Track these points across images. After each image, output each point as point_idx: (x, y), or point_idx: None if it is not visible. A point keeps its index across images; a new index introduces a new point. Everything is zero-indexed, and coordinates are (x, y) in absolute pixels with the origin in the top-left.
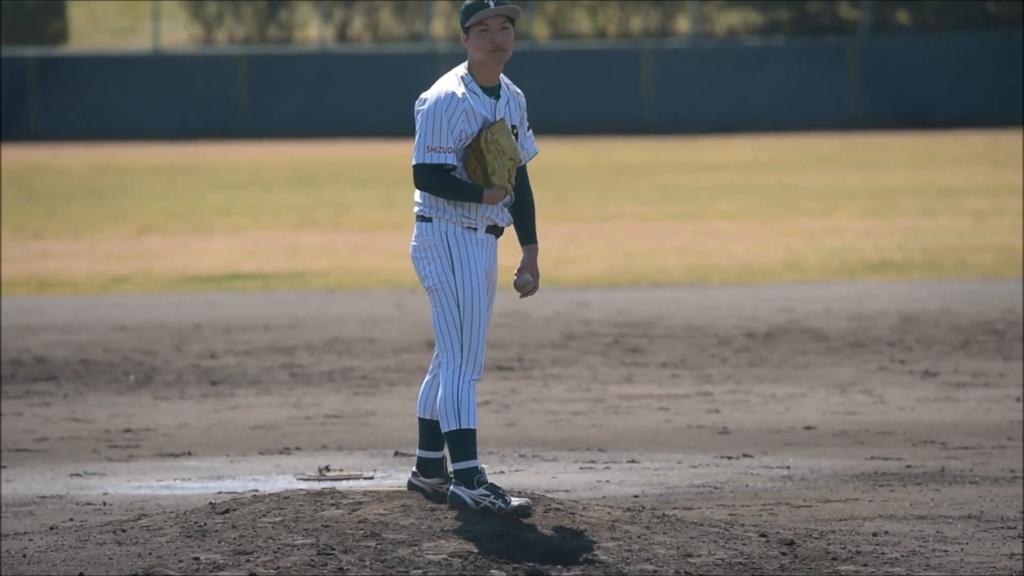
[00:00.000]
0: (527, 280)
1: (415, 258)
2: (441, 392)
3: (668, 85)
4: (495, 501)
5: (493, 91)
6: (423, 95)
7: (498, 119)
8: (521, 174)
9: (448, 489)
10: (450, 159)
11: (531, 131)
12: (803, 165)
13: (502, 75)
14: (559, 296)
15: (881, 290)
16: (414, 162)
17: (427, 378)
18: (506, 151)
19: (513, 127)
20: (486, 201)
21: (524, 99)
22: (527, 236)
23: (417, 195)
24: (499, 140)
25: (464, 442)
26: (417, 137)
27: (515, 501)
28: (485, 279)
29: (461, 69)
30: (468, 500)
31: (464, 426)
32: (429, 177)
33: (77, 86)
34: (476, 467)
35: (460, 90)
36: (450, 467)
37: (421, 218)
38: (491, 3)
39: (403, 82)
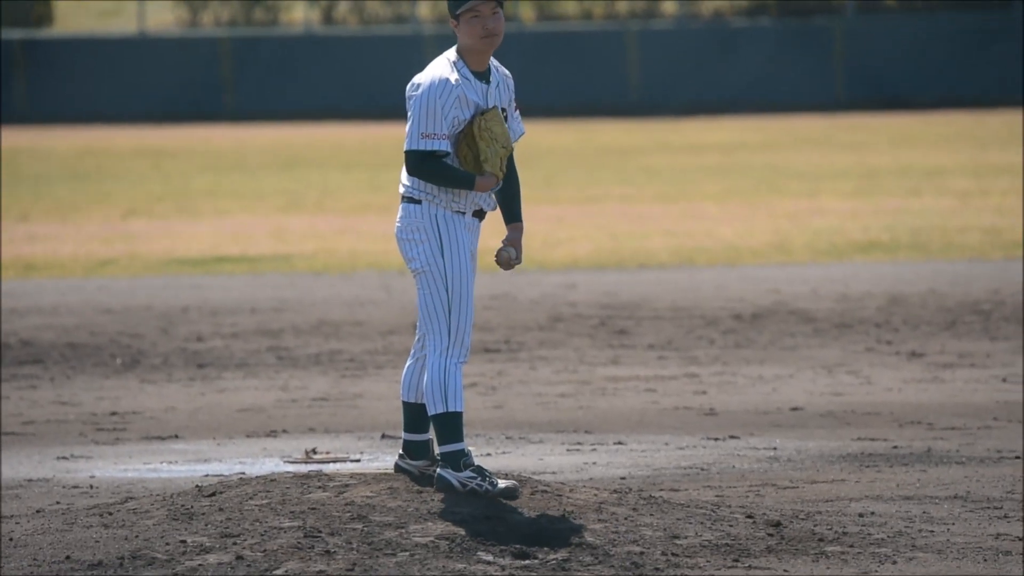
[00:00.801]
0: (510, 254)
1: (401, 239)
2: (428, 375)
3: (654, 66)
4: (482, 483)
5: (484, 76)
6: (415, 80)
7: (491, 106)
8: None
9: (435, 471)
10: (443, 146)
11: (518, 111)
12: (789, 146)
13: (491, 58)
14: (546, 278)
15: (867, 271)
16: (407, 148)
17: (409, 362)
18: (498, 139)
19: (503, 109)
20: (478, 188)
21: (512, 81)
22: (512, 216)
23: (405, 177)
24: (492, 128)
25: (451, 425)
26: (410, 123)
27: (502, 483)
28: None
29: (452, 54)
30: (455, 482)
31: (451, 409)
32: (422, 163)
33: (62, 69)
34: (463, 449)
35: (453, 76)
36: (437, 450)
37: (409, 199)
38: None
39: (389, 64)
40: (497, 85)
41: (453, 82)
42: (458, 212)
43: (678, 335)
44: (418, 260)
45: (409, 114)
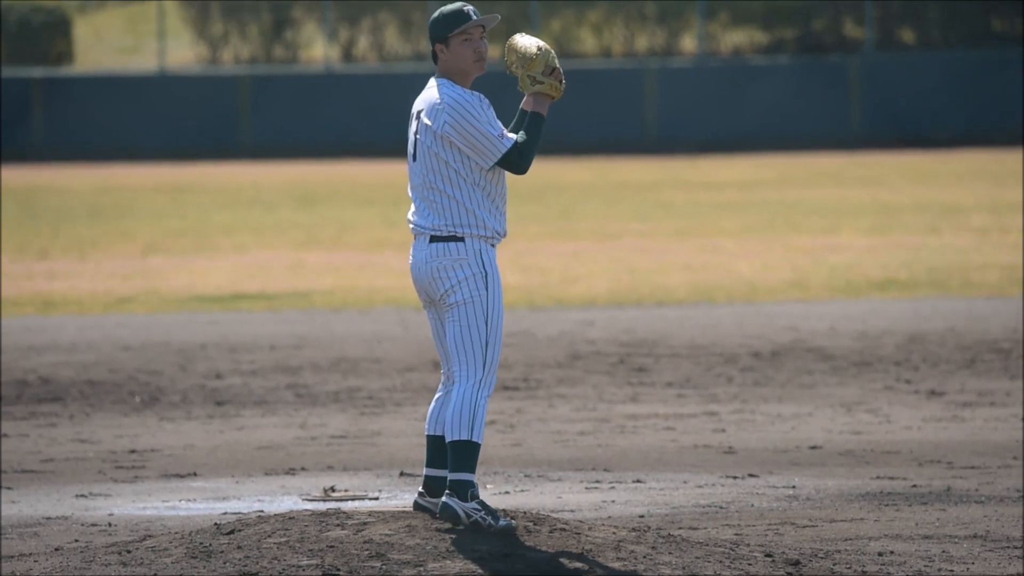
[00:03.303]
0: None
1: (440, 277)
2: (455, 403)
3: (673, 104)
4: (485, 517)
5: None
6: (437, 106)
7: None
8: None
9: (439, 501)
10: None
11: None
12: (807, 183)
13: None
14: (564, 315)
15: (886, 308)
16: (502, 151)
17: (438, 394)
18: (517, 60)
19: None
20: (545, 111)
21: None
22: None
23: (442, 214)
24: (509, 57)
25: (469, 455)
26: (482, 137)
27: (502, 521)
28: None
29: (441, 79)
30: (460, 512)
31: (474, 439)
32: (519, 156)
33: (82, 105)
34: (472, 481)
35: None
36: (448, 477)
37: (451, 238)
38: (472, 13)
39: (407, 101)
40: None
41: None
42: (493, 245)
43: (697, 373)
44: (460, 293)
45: (469, 132)
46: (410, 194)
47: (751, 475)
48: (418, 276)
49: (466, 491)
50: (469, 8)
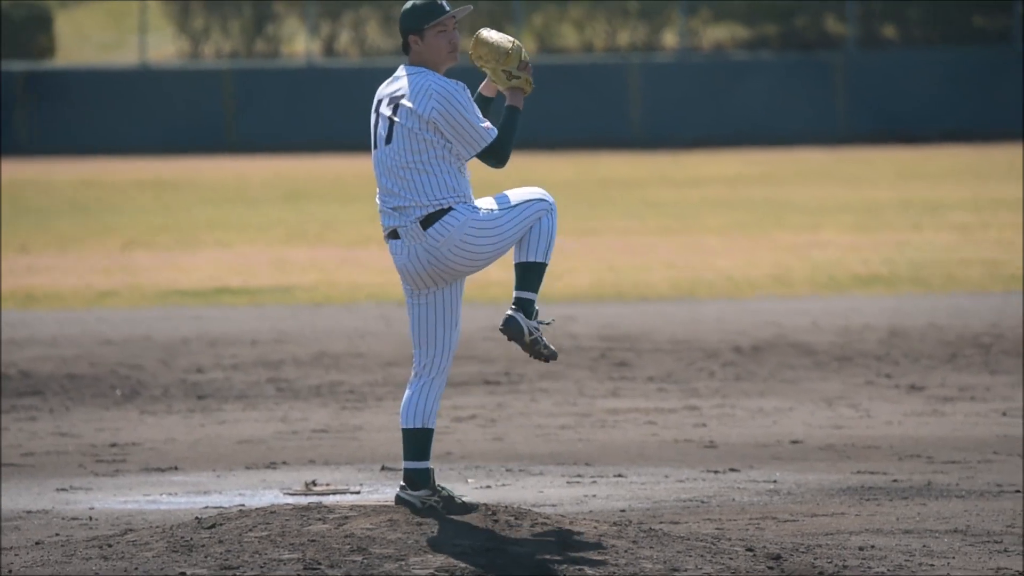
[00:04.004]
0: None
1: (458, 247)
2: (542, 233)
3: (655, 99)
4: (542, 338)
5: None
6: (417, 91)
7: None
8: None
9: (437, 502)
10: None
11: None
12: (790, 179)
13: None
14: (547, 310)
15: (868, 304)
16: (486, 143)
17: (410, 388)
18: (490, 54)
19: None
20: (520, 109)
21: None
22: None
23: (423, 191)
24: (479, 51)
25: (536, 275)
26: (467, 124)
27: (551, 347)
28: None
29: (419, 68)
30: (524, 326)
31: (546, 262)
32: (500, 146)
33: (64, 101)
34: (534, 301)
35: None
36: (517, 294)
37: (442, 211)
38: (446, 5)
39: None
40: None
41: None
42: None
43: (678, 368)
44: (487, 249)
45: (455, 118)
46: (382, 181)
47: (732, 469)
48: (420, 266)
49: (531, 307)
50: (443, 1)
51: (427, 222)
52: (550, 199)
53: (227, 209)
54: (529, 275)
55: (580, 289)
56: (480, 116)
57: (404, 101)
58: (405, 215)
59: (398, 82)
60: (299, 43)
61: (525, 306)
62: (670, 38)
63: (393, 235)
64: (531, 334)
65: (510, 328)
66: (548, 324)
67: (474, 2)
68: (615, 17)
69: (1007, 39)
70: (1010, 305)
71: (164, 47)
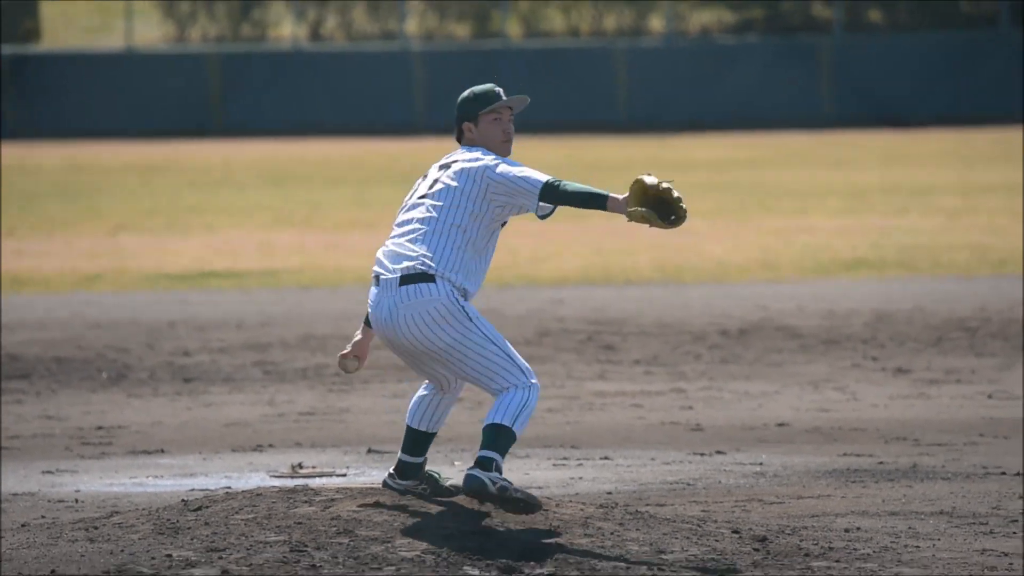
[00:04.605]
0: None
1: (419, 324)
2: (510, 396)
3: (642, 84)
4: (509, 484)
5: None
6: (471, 157)
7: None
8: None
9: (424, 489)
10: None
11: (507, 171)
12: (777, 163)
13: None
14: (534, 293)
15: (854, 288)
16: (544, 184)
17: (423, 392)
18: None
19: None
20: (610, 207)
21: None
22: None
23: (410, 250)
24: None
25: (504, 440)
26: (521, 176)
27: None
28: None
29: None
30: (485, 480)
31: (514, 428)
32: (557, 188)
33: (50, 85)
34: (499, 463)
35: None
36: (484, 453)
37: (422, 276)
38: (502, 94)
39: (376, 81)
40: None
41: None
42: (464, 292)
43: (665, 351)
44: (447, 338)
45: (506, 178)
46: (399, 235)
47: (718, 452)
48: (387, 327)
49: (490, 464)
50: (499, 89)
51: (407, 280)
52: (535, 382)
53: (213, 193)
54: (499, 439)
55: (567, 273)
56: (529, 169)
57: (459, 164)
58: (396, 266)
59: (452, 156)
60: (285, 27)
61: (486, 465)
62: (656, 22)
63: (375, 281)
64: (494, 483)
65: (471, 486)
66: (520, 496)
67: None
68: (601, 1)
69: (993, 23)
70: (996, 289)
71: (150, 31)
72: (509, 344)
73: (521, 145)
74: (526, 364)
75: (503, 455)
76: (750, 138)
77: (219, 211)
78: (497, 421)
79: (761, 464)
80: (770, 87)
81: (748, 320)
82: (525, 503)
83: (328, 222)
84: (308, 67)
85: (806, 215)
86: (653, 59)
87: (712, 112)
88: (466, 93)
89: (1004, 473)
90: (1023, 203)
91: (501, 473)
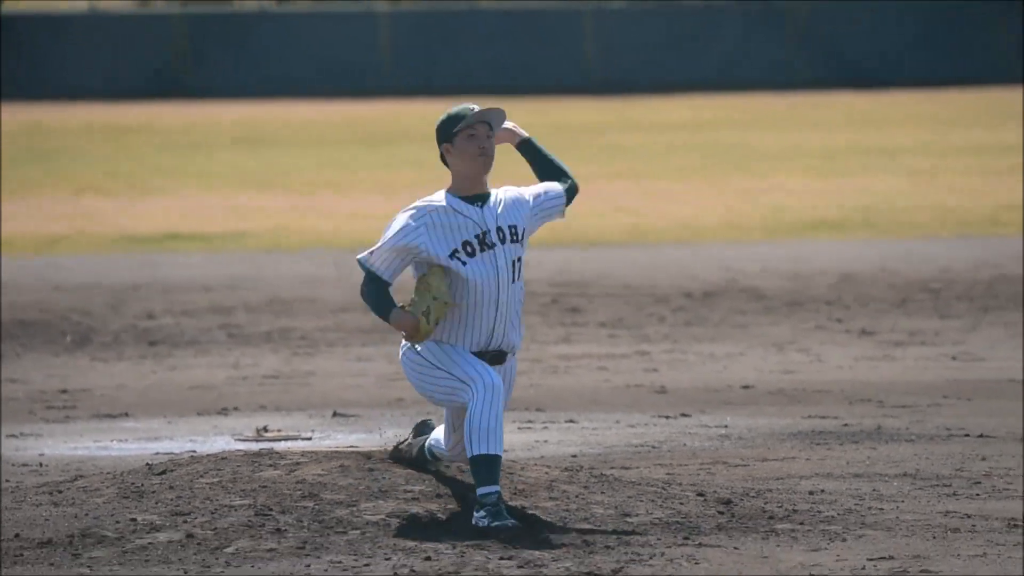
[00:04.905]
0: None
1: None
2: (470, 423)
3: (611, 46)
4: (484, 518)
5: (478, 199)
6: (515, 202)
7: (434, 268)
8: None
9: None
10: (385, 275)
11: (544, 193)
12: (746, 126)
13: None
14: None
15: (819, 249)
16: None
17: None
18: (431, 291)
19: (510, 227)
20: (392, 322)
21: (519, 190)
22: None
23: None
24: (428, 281)
25: (482, 467)
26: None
27: (501, 522)
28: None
29: (439, 193)
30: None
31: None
32: (363, 280)
33: (13, 46)
34: (488, 492)
35: (433, 206)
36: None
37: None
38: (475, 108)
39: (343, 42)
40: (500, 204)
41: (427, 211)
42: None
43: (629, 313)
44: (411, 375)
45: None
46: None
47: (683, 415)
48: None
49: (477, 502)
50: (474, 107)
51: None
52: (486, 380)
53: (179, 155)
54: (476, 473)
55: (533, 234)
56: (385, 243)
57: (508, 230)
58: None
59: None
60: None
61: (476, 504)
62: None
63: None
64: (485, 522)
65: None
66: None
67: None
68: None
69: None
70: (960, 250)
71: None
72: (457, 355)
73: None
74: (471, 369)
75: (488, 483)
76: (719, 100)
77: (185, 173)
78: (468, 455)
79: (726, 427)
80: (739, 49)
81: (713, 282)
82: (514, 533)
83: (295, 183)
84: (274, 29)
85: (771, 176)
86: (622, 21)
87: (681, 74)
88: (442, 116)
89: (967, 435)
90: (990, 164)
91: (494, 502)
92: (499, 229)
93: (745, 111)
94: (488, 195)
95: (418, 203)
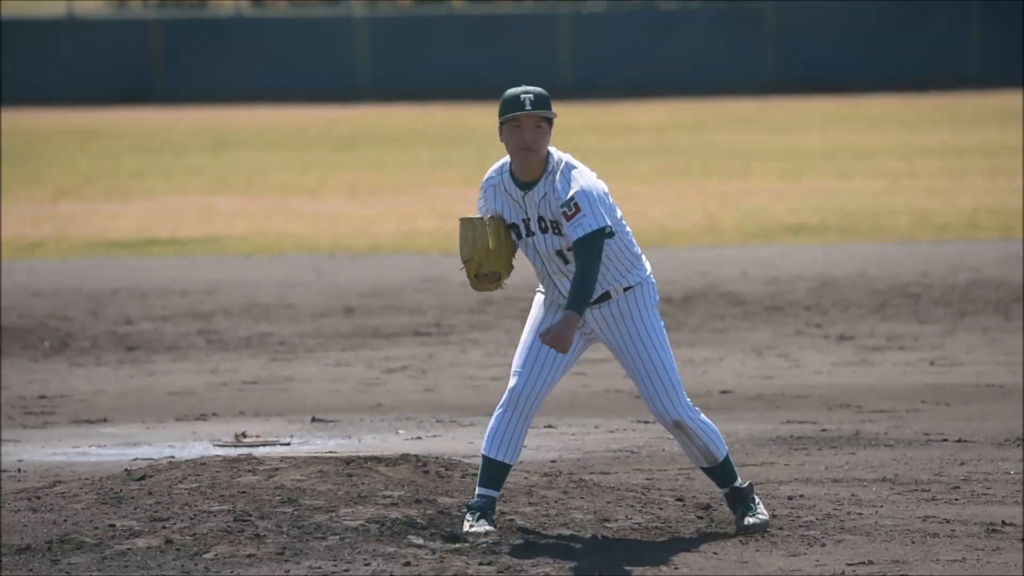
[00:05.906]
0: (546, 330)
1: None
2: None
3: (585, 49)
4: (467, 519)
5: (527, 184)
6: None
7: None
8: (578, 249)
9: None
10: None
11: (576, 216)
12: (719, 128)
13: (556, 174)
14: None
15: (797, 253)
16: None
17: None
18: (468, 244)
19: (552, 221)
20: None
21: (561, 193)
22: (567, 302)
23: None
24: (466, 234)
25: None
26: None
27: (479, 526)
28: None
29: (503, 163)
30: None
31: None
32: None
33: None
34: (483, 497)
35: (497, 170)
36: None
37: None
38: (527, 103)
39: (319, 47)
40: (544, 196)
41: (493, 174)
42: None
43: None
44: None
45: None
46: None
47: None
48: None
49: (485, 506)
50: (527, 96)
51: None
52: (515, 385)
53: (156, 159)
54: (480, 469)
55: None
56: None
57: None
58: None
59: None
60: None
61: (469, 502)
62: None
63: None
64: (470, 522)
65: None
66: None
67: None
68: None
69: None
70: (938, 254)
71: None
72: (525, 339)
73: (462, 111)
74: (515, 364)
75: (480, 484)
76: (693, 103)
77: (161, 177)
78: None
79: None
80: (713, 52)
81: (691, 287)
82: (489, 539)
83: (271, 187)
84: (250, 33)
85: (749, 179)
86: (596, 24)
87: (655, 77)
88: (504, 94)
89: (946, 440)
90: (956, 166)
91: (479, 505)
92: (540, 219)
93: (717, 113)
94: (537, 181)
95: (489, 172)
